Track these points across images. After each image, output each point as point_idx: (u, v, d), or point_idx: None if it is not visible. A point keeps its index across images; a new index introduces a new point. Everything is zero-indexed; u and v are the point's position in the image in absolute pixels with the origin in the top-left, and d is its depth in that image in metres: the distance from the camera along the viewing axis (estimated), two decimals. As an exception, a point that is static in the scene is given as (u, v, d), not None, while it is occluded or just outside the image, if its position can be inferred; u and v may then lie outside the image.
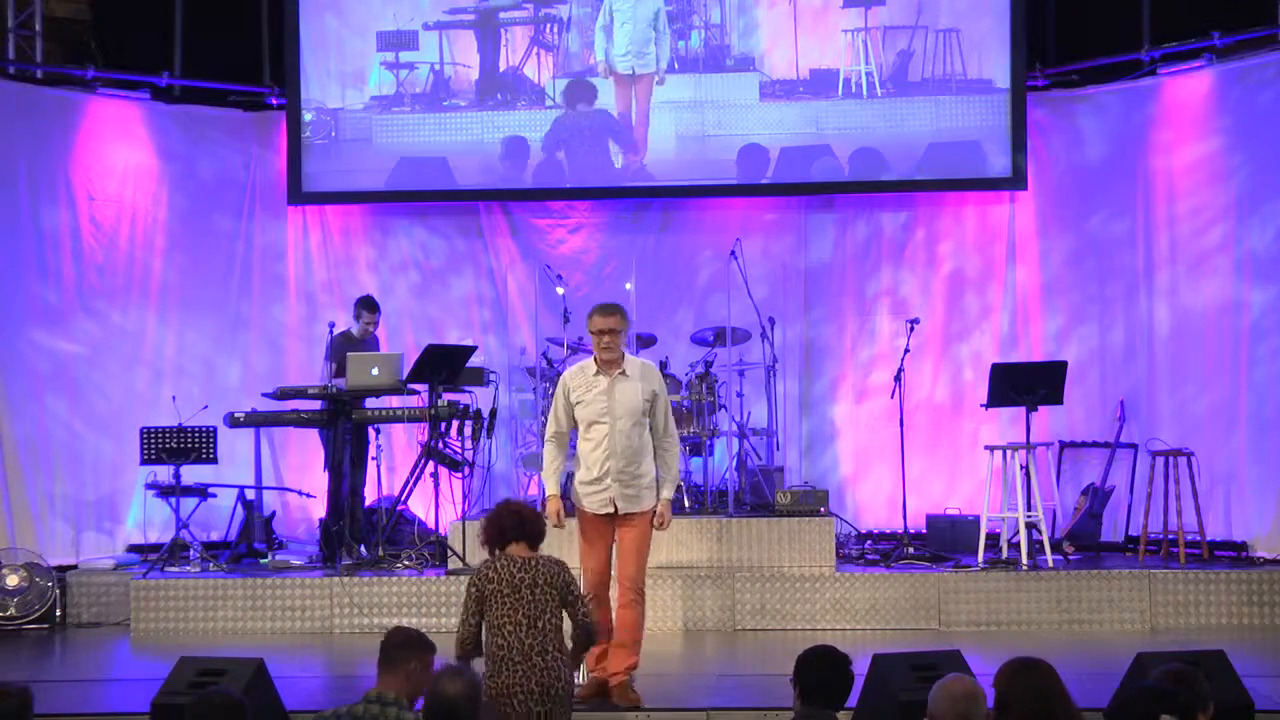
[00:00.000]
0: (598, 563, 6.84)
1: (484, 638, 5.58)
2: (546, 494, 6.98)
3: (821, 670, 4.40)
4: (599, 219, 11.21)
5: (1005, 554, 9.27)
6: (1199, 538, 9.43)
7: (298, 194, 10.93)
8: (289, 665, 7.56)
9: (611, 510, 6.78)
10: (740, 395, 10.19)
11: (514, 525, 5.70)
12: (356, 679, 7.49)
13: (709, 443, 9.77)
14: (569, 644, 5.67)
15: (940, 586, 8.88)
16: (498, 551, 5.71)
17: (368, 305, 10.04)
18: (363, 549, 9.42)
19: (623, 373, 6.74)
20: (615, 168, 10.82)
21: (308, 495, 10.45)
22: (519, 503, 5.92)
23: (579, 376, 6.82)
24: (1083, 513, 9.94)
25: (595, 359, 6.82)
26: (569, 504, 7.12)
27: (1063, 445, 10.51)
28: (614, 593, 6.90)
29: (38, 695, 4.56)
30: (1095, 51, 10.76)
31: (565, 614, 5.63)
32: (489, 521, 5.78)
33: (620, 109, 10.82)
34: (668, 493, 6.83)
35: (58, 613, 9.33)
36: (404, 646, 4.60)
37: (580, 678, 6.82)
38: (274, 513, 10.54)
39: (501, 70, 10.95)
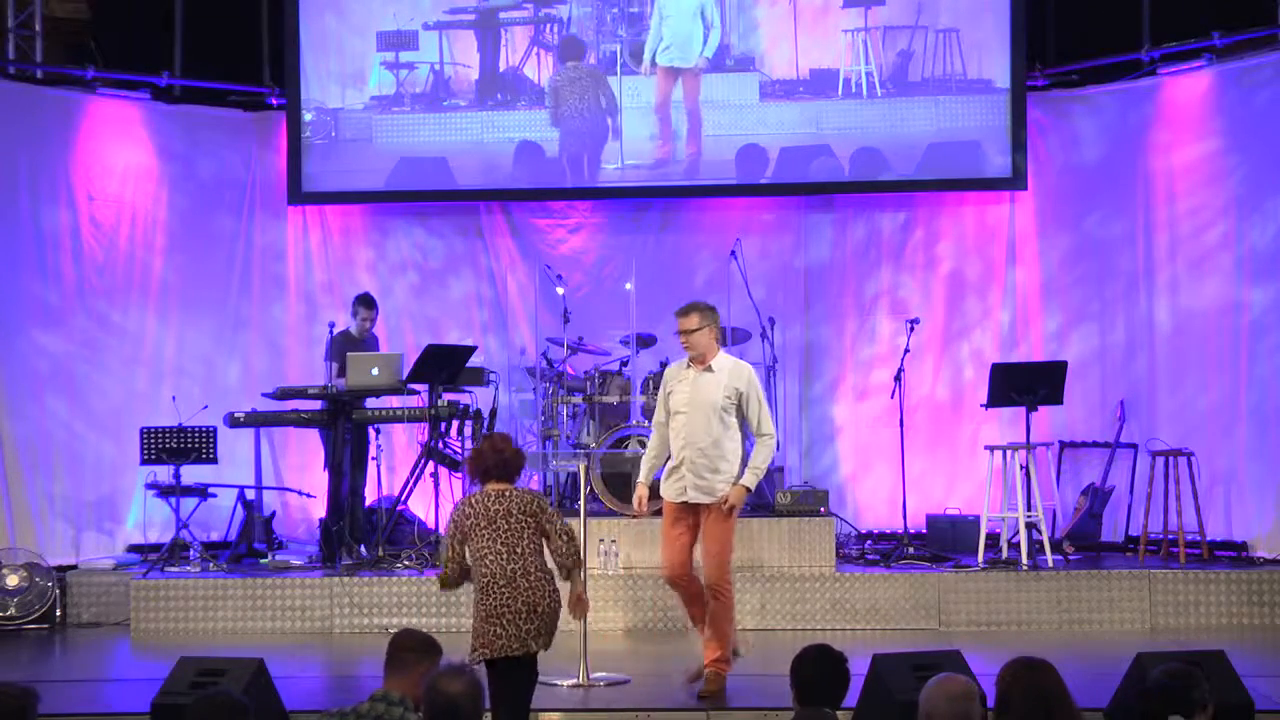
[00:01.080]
0: (671, 553, 7.06)
1: (472, 567, 5.92)
2: (637, 480, 7.24)
3: (817, 669, 4.40)
4: (599, 219, 11.21)
5: (1005, 554, 9.27)
6: (1199, 538, 9.43)
7: (298, 194, 10.93)
8: (289, 665, 7.55)
9: (686, 499, 6.98)
10: (740, 395, 10.17)
11: (496, 465, 6.00)
12: (356, 679, 7.52)
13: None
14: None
15: (940, 586, 8.88)
16: (479, 486, 6.04)
17: (365, 303, 10.04)
18: (363, 549, 9.42)
19: (709, 368, 7.03)
20: (606, 126, 10.78)
21: (308, 495, 10.45)
22: (504, 440, 6.15)
23: (677, 370, 7.19)
24: (1083, 513, 9.94)
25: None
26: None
27: (1063, 445, 10.51)
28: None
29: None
30: (1095, 51, 10.76)
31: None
32: (475, 457, 6.10)
33: (658, 101, 10.77)
34: (745, 480, 6.96)
35: (58, 613, 9.32)
36: (413, 650, 4.60)
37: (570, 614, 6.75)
38: (274, 513, 10.54)
39: (501, 70, 10.95)
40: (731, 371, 7.03)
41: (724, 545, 7.02)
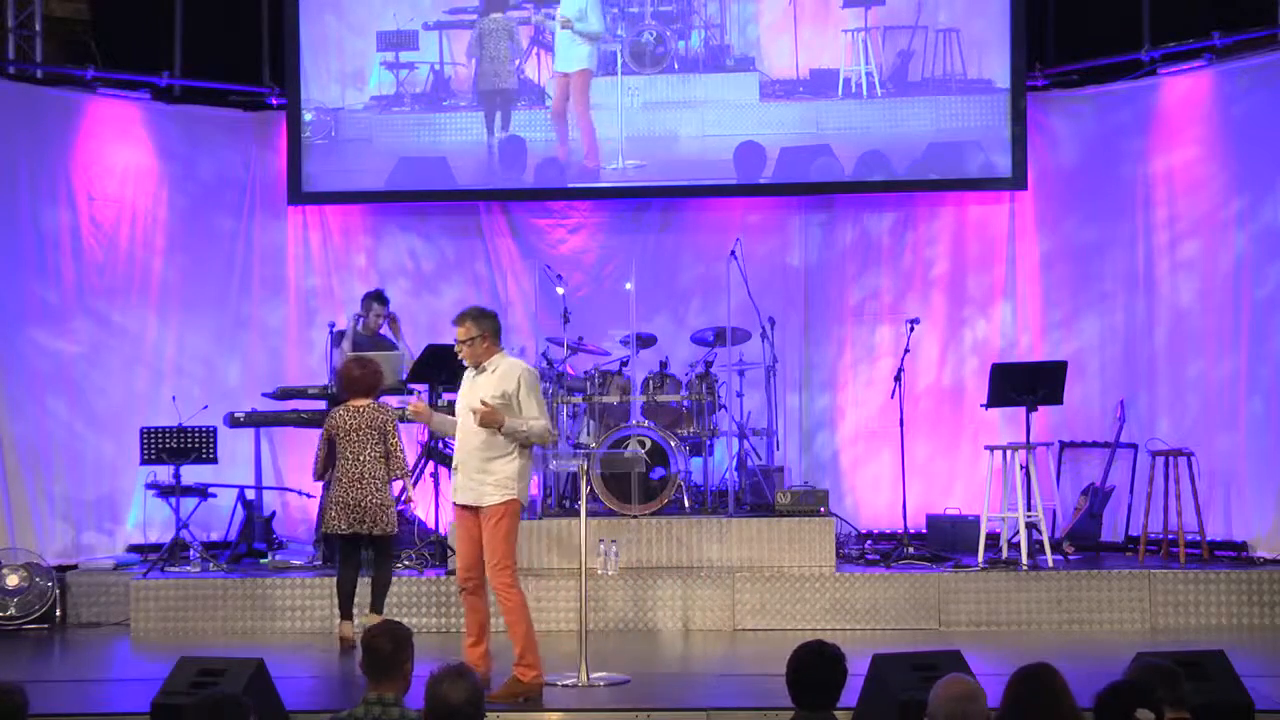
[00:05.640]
0: (459, 554, 6.96)
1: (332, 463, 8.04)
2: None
3: (813, 666, 4.40)
4: (599, 219, 11.21)
5: (1005, 554, 9.27)
6: (1199, 538, 9.42)
7: (298, 194, 10.93)
8: (289, 665, 7.56)
9: (458, 500, 6.91)
10: (740, 395, 10.18)
11: (348, 384, 8.15)
12: (356, 679, 7.50)
13: (709, 443, 9.77)
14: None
15: (940, 586, 8.88)
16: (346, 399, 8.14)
17: (378, 298, 10.04)
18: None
19: (482, 369, 6.90)
20: (519, 77, 10.86)
21: (308, 495, 10.45)
22: (357, 363, 8.23)
23: (467, 373, 7.00)
24: (1083, 513, 9.93)
25: None
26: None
27: (1063, 445, 10.50)
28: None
29: (38, 695, 4.55)
30: (1095, 51, 10.75)
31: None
32: (337, 377, 8.30)
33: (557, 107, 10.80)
34: (509, 423, 6.72)
35: (58, 613, 9.32)
36: (396, 650, 4.62)
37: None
38: (274, 513, 10.53)
39: (501, 70, 10.95)
40: (504, 373, 6.84)
41: (500, 550, 6.76)
